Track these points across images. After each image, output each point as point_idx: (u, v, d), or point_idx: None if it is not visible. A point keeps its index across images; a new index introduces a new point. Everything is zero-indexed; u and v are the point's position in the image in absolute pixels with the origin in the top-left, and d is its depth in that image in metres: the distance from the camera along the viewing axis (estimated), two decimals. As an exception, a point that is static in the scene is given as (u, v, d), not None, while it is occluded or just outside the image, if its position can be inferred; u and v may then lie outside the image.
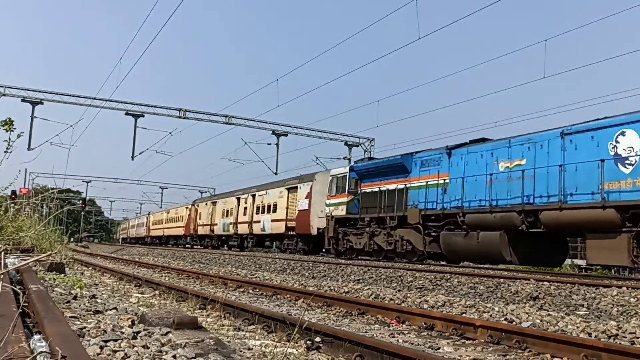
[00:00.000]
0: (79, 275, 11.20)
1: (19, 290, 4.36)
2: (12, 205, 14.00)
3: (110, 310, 5.48)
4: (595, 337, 6.02)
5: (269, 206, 29.45)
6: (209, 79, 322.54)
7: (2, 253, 5.99)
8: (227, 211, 35.20)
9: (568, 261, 21.50)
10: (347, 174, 21.71)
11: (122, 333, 3.82)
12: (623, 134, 12.14)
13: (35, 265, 8.68)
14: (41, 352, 2.43)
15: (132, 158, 32.82)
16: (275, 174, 35.19)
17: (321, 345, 4.97)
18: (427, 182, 17.31)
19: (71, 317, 4.60)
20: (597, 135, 12.68)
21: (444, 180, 16.69)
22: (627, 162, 11.98)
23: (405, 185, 18.22)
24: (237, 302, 7.72)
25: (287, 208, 27.46)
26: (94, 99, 30.37)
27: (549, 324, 6.74)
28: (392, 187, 18.77)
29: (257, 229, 30.43)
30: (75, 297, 6.03)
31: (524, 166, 14.28)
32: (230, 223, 34.20)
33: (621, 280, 12.12)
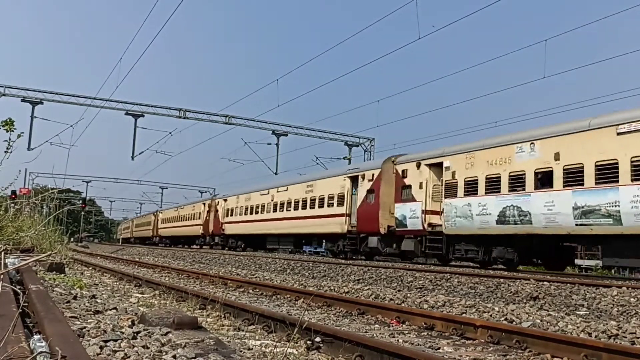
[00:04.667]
0: (79, 275, 11.20)
1: (19, 290, 4.36)
2: (12, 205, 13.98)
3: (110, 310, 5.48)
4: (596, 337, 6.01)
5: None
6: (209, 79, 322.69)
7: (2, 253, 5.98)
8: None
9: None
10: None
11: (122, 333, 3.82)
12: None
13: (35, 265, 8.68)
14: (41, 352, 2.42)
15: (132, 158, 32.89)
16: (276, 174, 35.30)
17: (321, 345, 4.96)
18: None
19: (71, 317, 4.60)
20: None
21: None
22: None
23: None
24: (237, 302, 7.72)
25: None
26: (94, 99, 30.38)
27: (549, 324, 6.74)
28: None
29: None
30: (75, 297, 6.03)
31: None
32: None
33: (621, 280, 12.12)
